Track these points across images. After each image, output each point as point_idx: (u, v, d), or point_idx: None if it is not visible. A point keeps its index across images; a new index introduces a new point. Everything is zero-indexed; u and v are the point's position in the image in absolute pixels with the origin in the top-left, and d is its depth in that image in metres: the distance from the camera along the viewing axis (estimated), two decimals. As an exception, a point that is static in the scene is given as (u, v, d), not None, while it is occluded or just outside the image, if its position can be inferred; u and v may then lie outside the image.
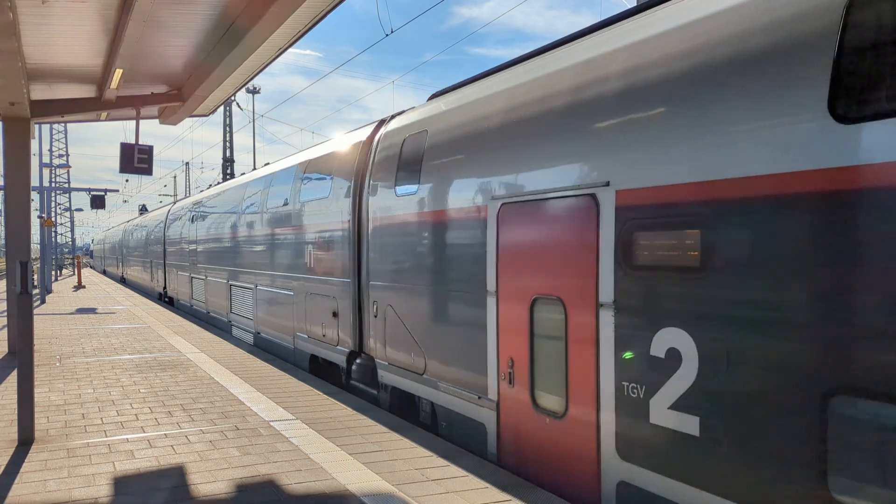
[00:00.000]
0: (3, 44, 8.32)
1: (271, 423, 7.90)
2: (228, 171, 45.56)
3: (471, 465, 6.41)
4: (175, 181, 75.85)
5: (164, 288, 26.89)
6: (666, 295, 4.72)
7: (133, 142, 13.83)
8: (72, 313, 21.23)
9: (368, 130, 10.01)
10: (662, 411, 4.71)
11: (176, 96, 13.24)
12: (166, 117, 14.93)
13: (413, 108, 9.29)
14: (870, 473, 3.55)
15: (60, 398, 9.14)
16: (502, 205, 6.50)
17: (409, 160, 8.30)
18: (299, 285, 11.80)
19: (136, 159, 13.69)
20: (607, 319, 5.19)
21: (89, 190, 35.95)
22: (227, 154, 46.37)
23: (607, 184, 5.21)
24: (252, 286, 14.65)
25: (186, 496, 5.58)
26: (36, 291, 28.91)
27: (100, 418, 8.11)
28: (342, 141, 10.96)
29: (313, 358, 11.49)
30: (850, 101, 3.64)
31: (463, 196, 7.16)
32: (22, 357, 7.10)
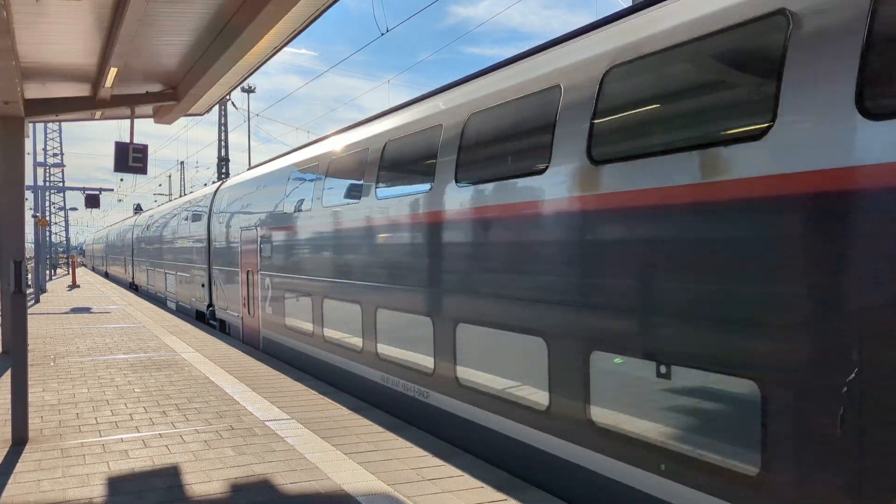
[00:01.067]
0: (-4, 42, 8.27)
1: (266, 423, 7.88)
2: (224, 171, 45.49)
3: (467, 465, 6.41)
4: (170, 180, 75.74)
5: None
6: None
7: (128, 141, 13.77)
8: (66, 313, 21.16)
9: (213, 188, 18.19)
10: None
11: (171, 95, 13.18)
12: (161, 116, 14.85)
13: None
14: None
15: (54, 398, 9.10)
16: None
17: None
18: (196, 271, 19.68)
19: (130, 158, 13.63)
20: None
21: (84, 189, 35.81)
22: (223, 153, 46.31)
23: None
24: (173, 272, 23.36)
25: (181, 496, 5.56)
26: (30, 291, 28.83)
27: (94, 418, 8.08)
28: (199, 193, 20.59)
29: (198, 313, 19.65)
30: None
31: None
32: (16, 357, 7.07)
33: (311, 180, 11.45)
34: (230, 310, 16.32)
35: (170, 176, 76.24)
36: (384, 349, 8.74)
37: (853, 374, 3.55)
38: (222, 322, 17.23)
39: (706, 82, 4.81)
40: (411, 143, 8.11)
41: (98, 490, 5.69)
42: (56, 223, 71.59)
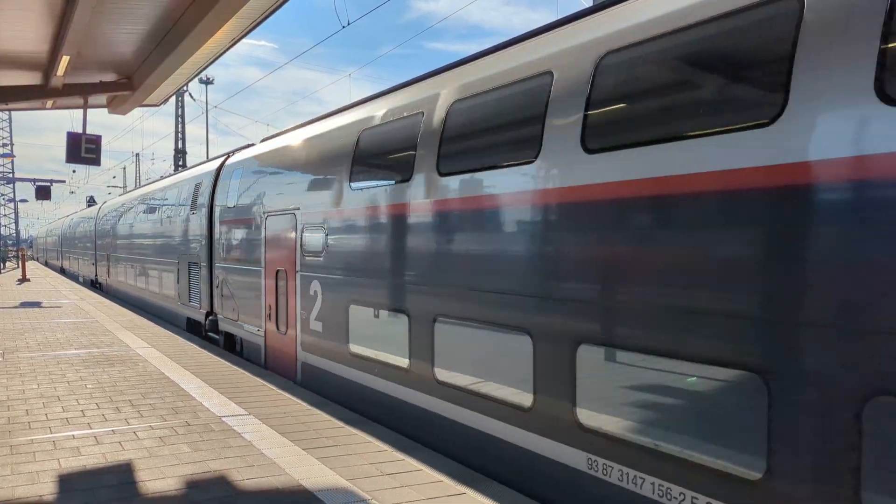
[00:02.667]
0: (-58, 27, 8.02)
1: (223, 419, 7.79)
2: (181, 163, 44.74)
3: (426, 458, 6.42)
4: (125, 172, 74.14)
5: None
6: None
7: (80, 131, 13.49)
8: (15, 307, 20.61)
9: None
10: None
11: (125, 85, 12.94)
12: (115, 106, 14.58)
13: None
14: None
15: (3, 394, 8.87)
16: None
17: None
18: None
19: (83, 149, 13.36)
20: None
21: (34, 180, 34.92)
22: (180, 145, 45.52)
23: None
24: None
25: (134, 493, 5.47)
26: (-23, 285, 27.97)
27: (44, 414, 7.89)
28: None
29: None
30: None
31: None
32: (-38, 352, 6.87)
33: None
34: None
35: (124, 168, 74.61)
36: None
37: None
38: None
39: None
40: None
41: (48, 488, 5.56)
42: (5, 215, 69.67)
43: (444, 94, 7.27)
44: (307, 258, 9.87)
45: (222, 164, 14.40)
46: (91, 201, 58.09)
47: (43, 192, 32.52)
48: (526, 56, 6.36)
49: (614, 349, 5.05)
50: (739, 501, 4.15)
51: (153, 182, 24.08)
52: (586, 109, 5.34)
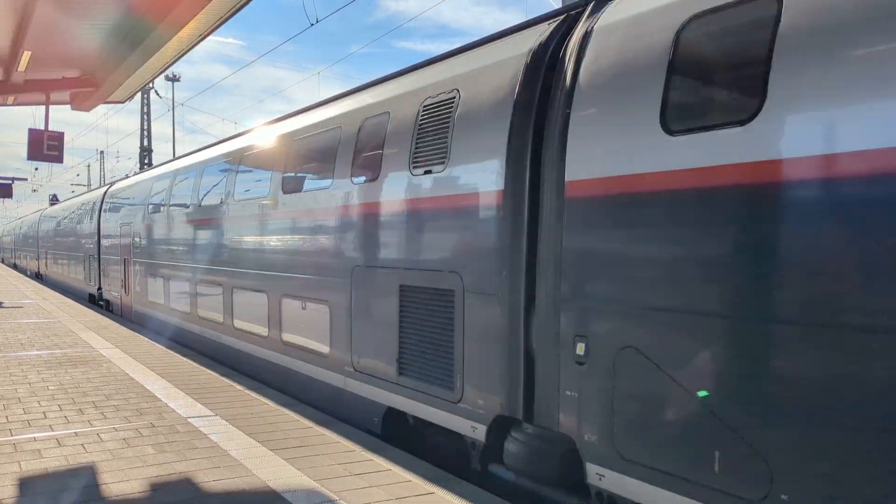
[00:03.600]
0: None
1: (189, 420, 7.70)
2: (147, 161, 44.09)
3: (395, 458, 6.41)
4: (89, 170, 72.92)
5: None
6: None
7: (43, 128, 13.23)
8: (-25, 308, 20.16)
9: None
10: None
11: (89, 81, 12.70)
12: (79, 103, 14.31)
13: None
14: None
15: (-39, 397, 8.67)
16: None
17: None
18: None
19: (45, 146, 13.11)
20: None
21: (-5, 178, 34.07)
22: (145, 143, 44.88)
23: None
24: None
25: (97, 496, 5.37)
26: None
27: (5, 416, 7.72)
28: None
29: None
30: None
31: None
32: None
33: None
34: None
35: (88, 166, 73.40)
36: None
37: None
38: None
39: None
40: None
41: (8, 491, 5.44)
42: (-35, 214, 68.01)
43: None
44: (135, 251, 17.43)
45: (105, 191, 22.70)
46: (54, 199, 57.01)
47: (4, 190, 31.81)
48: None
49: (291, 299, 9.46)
50: (320, 364, 8.60)
51: (74, 197, 33.96)
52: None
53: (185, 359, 11.63)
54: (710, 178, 4.22)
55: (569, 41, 5.64)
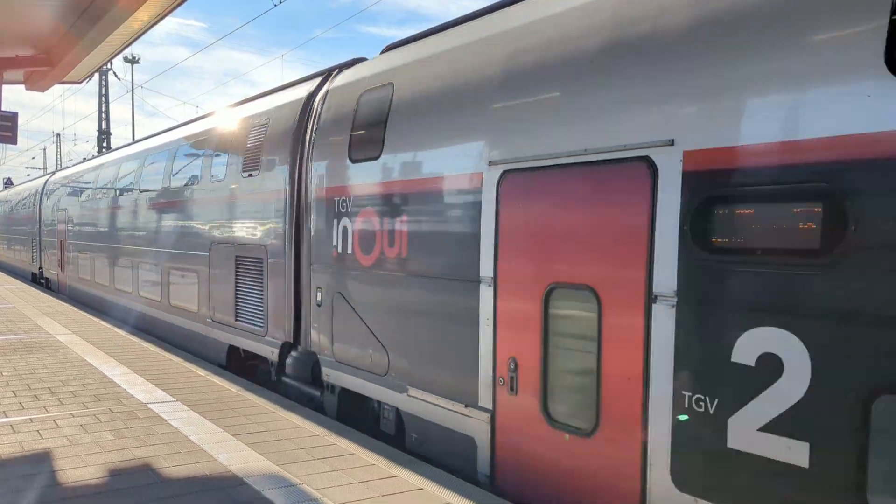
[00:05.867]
0: None
1: (149, 406, 7.57)
2: (105, 144, 43.13)
3: (359, 442, 6.39)
4: (45, 153, 71.20)
5: None
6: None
7: (-5, 108, 12.80)
8: (-75, 293, 19.59)
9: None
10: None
11: (44, 60, 12.32)
12: (33, 83, 13.87)
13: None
14: None
15: (-90, 383, 8.41)
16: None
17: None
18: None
19: (-2, 127, 12.70)
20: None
21: (-55, 160, 33.04)
22: (103, 126, 43.90)
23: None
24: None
25: (53, 482, 5.26)
26: None
27: (-44, 404, 7.52)
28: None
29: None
30: None
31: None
32: None
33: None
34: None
35: (44, 149, 71.70)
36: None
37: None
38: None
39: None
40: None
41: (-40, 479, 5.29)
42: (-86, 197, 65.83)
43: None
44: (69, 234, 19.86)
45: (46, 179, 25.65)
46: (8, 182, 55.49)
47: (-45, 173, 30.86)
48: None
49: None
50: (193, 319, 11.37)
51: (20, 184, 37.04)
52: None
53: (146, 345, 11.44)
54: (368, 189, 7.09)
55: (318, 93, 8.56)
